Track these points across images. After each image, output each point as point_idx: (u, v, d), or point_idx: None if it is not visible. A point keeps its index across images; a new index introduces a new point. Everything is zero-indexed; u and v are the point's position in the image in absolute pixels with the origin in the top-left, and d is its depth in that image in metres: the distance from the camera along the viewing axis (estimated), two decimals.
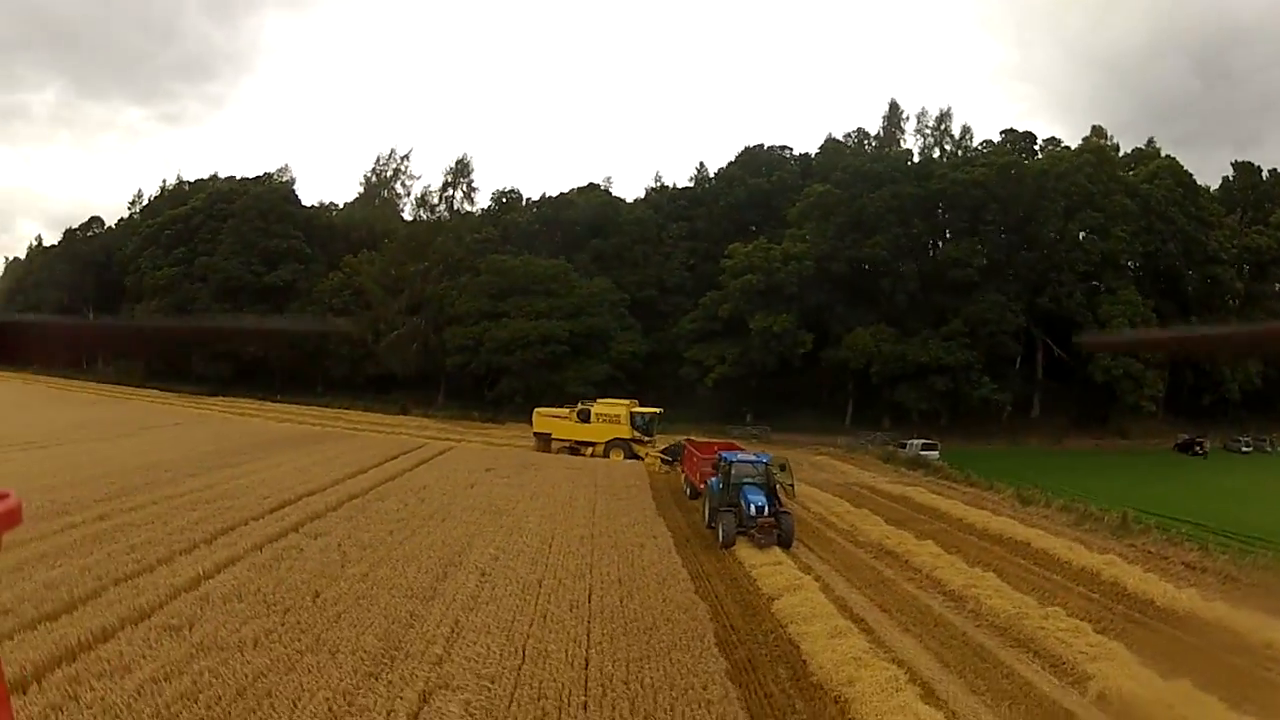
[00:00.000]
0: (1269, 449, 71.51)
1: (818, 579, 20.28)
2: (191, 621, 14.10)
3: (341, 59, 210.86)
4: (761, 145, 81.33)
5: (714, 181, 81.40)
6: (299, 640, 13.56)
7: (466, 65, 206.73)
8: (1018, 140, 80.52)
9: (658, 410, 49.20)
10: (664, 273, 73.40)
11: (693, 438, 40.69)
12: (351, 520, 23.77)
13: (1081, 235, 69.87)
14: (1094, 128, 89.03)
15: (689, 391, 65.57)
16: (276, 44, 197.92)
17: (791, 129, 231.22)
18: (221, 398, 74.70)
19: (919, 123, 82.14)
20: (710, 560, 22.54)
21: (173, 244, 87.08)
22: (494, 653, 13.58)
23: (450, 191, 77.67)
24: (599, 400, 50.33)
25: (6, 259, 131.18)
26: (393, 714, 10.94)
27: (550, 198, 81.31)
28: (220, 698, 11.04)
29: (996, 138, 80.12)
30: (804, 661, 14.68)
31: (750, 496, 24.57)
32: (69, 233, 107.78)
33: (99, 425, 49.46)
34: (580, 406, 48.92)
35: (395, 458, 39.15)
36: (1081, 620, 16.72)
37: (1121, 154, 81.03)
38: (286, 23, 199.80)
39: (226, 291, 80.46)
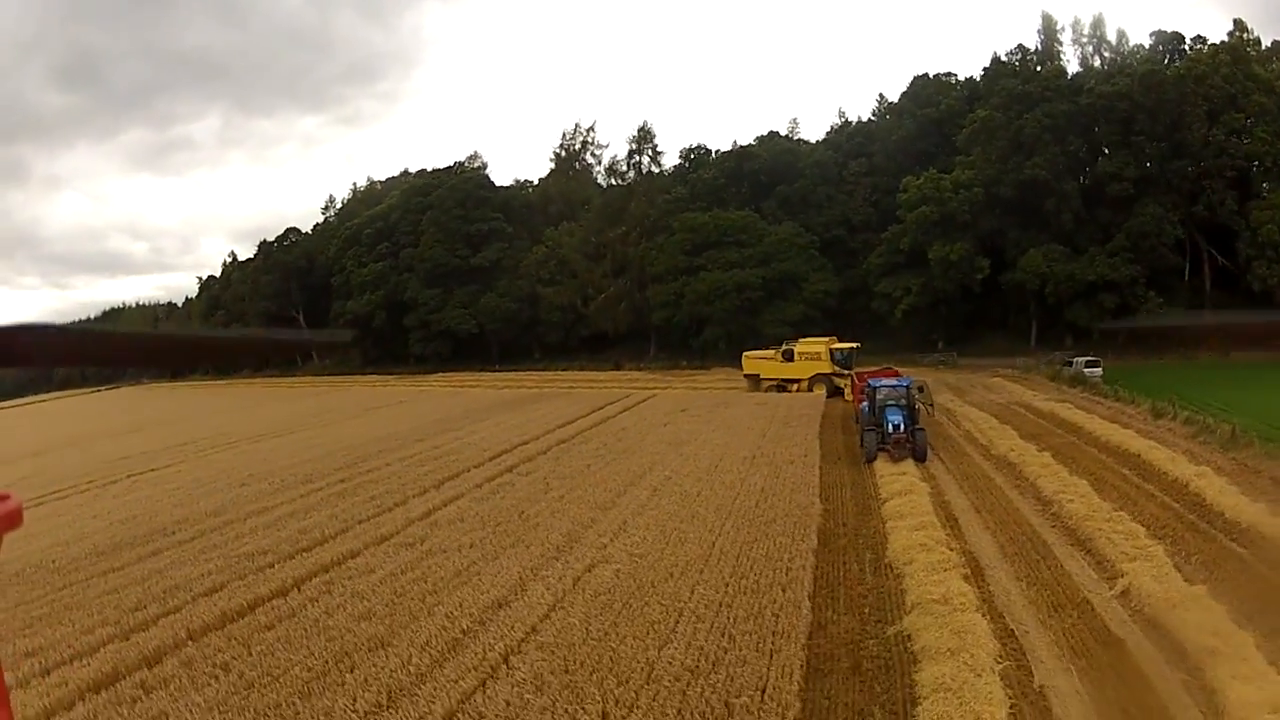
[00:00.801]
0: None
1: (933, 486, 24.50)
2: (422, 539, 20.79)
3: (512, 38, 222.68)
4: (927, 74, 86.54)
5: (887, 116, 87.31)
6: (503, 541, 20.06)
7: (642, 29, 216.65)
8: (1167, 41, 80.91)
9: (855, 345, 54.05)
10: (849, 211, 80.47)
11: (890, 366, 46.91)
12: (557, 460, 31.42)
13: (1227, 139, 68.45)
14: (1235, 21, 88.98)
15: (883, 324, 72.50)
16: (440, 34, 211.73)
17: (960, 54, 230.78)
18: (441, 374, 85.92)
19: (1074, 33, 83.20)
20: (850, 473, 27.68)
21: (375, 241, 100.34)
22: (647, 540, 19.30)
23: (636, 158, 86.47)
24: (800, 340, 56.02)
25: (200, 278, 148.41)
26: (563, 579, 16.77)
27: (731, 150, 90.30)
28: (441, 580, 17.28)
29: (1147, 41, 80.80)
30: (885, 547, 18.72)
31: (890, 416, 29.40)
32: (265, 244, 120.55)
33: (325, 412, 61.16)
34: (784, 347, 54.93)
35: (601, 408, 48.58)
36: (1141, 524, 18.80)
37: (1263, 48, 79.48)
38: (446, 12, 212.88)
39: (436, 277, 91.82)
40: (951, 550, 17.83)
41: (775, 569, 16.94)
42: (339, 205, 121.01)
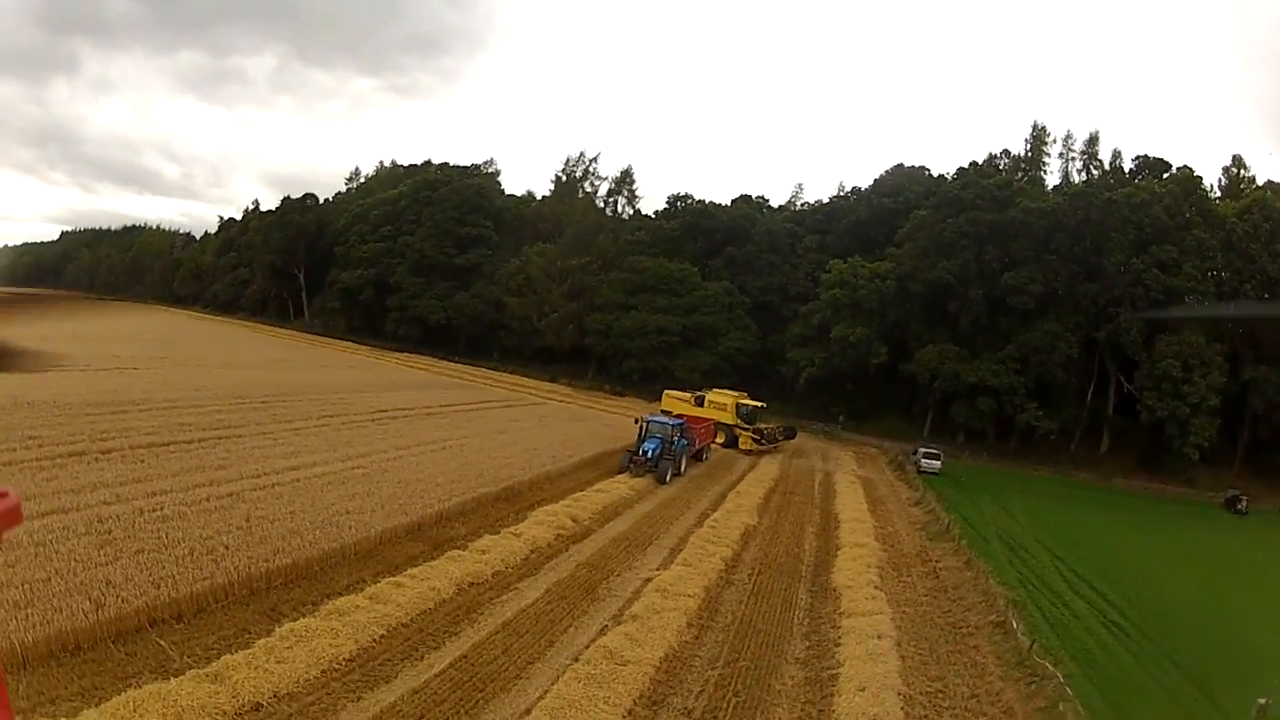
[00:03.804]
0: None
1: (643, 494, 40.18)
2: (287, 436, 36.26)
3: (573, 45, 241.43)
4: (901, 165, 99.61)
5: (850, 198, 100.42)
6: (326, 448, 34.61)
7: (670, 83, 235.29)
8: (1151, 167, 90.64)
9: (761, 404, 65.47)
10: (789, 280, 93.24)
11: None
12: (410, 422, 46.90)
13: (1146, 270, 76.12)
14: (1234, 157, 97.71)
15: (790, 388, 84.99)
16: (511, 23, 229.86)
17: (956, 149, 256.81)
18: (405, 354, 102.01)
19: (1064, 146, 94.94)
20: (590, 474, 40.68)
21: (381, 222, 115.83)
22: (391, 459, 34.44)
23: (614, 197, 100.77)
24: (714, 389, 66.21)
25: (221, 218, 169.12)
26: (337, 467, 30.92)
27: (691, 207, 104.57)
28: (279, 450, 32.66)
29: (1129, 165, 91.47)
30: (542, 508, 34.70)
31: (647, 444, 42.52)
32: (286, 201, 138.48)
33: (291, 364, 76.52)
34: (699, 393, 64.72)
35: (488, 402, 65.33)
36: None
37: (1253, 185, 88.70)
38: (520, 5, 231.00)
39: (421, 268, 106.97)
40: (574, 522, 30.19)
41: (451, 492, 30.08)
42: (362, 179, 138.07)
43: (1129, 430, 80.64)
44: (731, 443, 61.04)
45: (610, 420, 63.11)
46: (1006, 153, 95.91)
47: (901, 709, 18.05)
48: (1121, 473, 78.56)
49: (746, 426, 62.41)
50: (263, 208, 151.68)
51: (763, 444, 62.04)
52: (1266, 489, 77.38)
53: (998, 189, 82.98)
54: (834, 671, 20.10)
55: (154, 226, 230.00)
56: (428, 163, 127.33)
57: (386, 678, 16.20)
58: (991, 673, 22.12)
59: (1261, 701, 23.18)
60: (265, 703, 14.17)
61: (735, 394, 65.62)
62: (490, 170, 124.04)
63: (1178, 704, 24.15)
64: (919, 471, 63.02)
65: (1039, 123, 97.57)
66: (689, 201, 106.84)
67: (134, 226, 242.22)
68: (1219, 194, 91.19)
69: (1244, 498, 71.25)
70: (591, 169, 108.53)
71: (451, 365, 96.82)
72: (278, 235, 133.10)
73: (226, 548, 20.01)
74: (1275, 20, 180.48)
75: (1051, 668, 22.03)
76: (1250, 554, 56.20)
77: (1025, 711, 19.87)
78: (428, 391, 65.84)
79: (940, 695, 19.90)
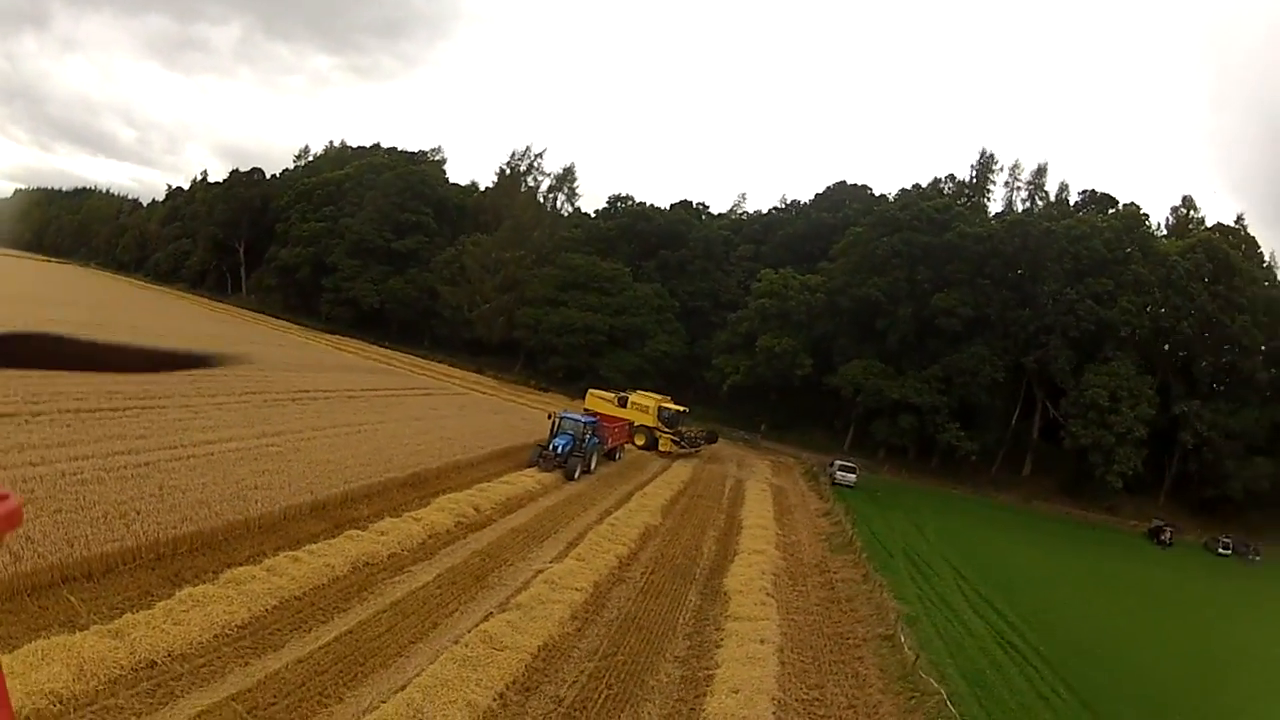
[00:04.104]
0: (1252, 557, 73.26)
1: (547, 487, 38.91)
2: (198, 403, 37.04)
3: (534, 40, 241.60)
4: (844, 182, 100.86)
5: (789, 211, 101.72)
6: (241, 419, 35.97)
7: (625, 86, 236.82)
8: (1098, 201, 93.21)
9: (683, 409, 65.53)
10: (721, 288, 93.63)
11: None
12: (330, 404, 47.20)
13: (1080, 300, 77.37)
14: (1184, 198, 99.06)
15: (714, 394, 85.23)
16: (475, 13, 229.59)
17: (904, 171, 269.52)
18: (336, 335, 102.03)
19: (1011, 175, 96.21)
20: (497, 466, 40.53)
21: (324, 201, 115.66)
22: (308, 434, 35.52)
23: (554, 194, 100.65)
24: (637, 391, 66.14)
25: (169, 186, 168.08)
26: (248, 439, 31.76)
27: (629, 208, 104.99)
28: (178, 420, 33.16)
29: (1075, 197, 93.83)
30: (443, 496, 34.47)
31: (558, 440, 42.88)
32: (234, 174, 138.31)
33: (225, 337, 76.98)
34: (622, 394, 64.30)
35: (410, 389, 66.09)
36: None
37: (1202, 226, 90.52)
38: None
39: (359, 250, 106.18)
40: (476, 511, 30.37)
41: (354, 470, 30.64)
42: (310, 158, 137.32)
43: (1053, 455, 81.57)
44: (652, 445, 61.21)
45: (530, 415, 63.16)
46: (952, 177, 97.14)
47: (773, 713, 18.35)
48: (1043, 496, 79.47)
49: (667, 430, 62.45)
50: (211, 179, 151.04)
51: (683, 446, 62.20)
52: (1193, 522, 79.48)
53: (936, 212, 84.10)
54: (710, 672, 20.35)
55: (104, 190, 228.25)
56: (376, 146, 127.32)
57: (274, 646, 16.72)
58: (873, 685, 22.40)
59: None
60: (160, 661, 14.86)
61: (659, 397, 65.67)
62: (437, 158, 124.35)
63: None
64: (833, 484, 63.41)
65: (987, 150, 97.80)
66: (629, 203, 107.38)
67: (84, 189, 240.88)
68: (1165, 233, 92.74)
69: (1169, 529, 72.92)
70: (536, 164, 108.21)
71: (381, 350, 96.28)
72: (222, 207, 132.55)
73: (138, 513, 20.58)
74: (1233, 65, 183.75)
75: (935, 684, 22.22)
76: (1167, 585, 57.53)
77: None
78: (352, 375, 65.87)
79: (817, 703, 20.24)
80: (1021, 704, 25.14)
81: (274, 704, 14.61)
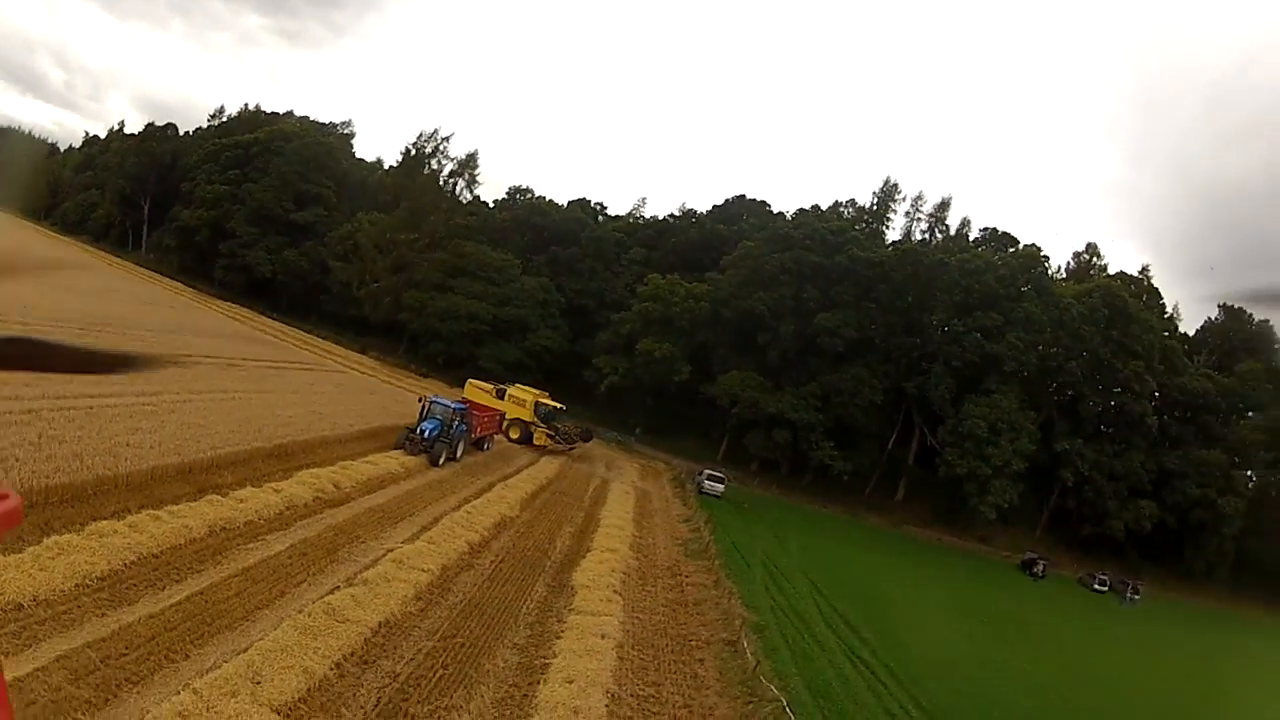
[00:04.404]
0: (1130, 596, 74.44)
1: (411, 471, 39.32)
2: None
3: (451, 21, 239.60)
4: (743, 196, 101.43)
5: (685, 220, 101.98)
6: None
7: (543, 79, 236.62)
8: (998, 240, 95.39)
9: (561, 406, 66.03)
10: (608, 288, 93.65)
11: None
12: (198, 369, 45.07)
13: (968, 332, 79.43)
14: (1088, 244, 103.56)
15: (591, 394, 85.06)
16: None
17: (807, 192, 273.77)
18: (227, 302, 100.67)
19: (913, 205, 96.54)
20: (365, 445, 40.70)
21: (230, 165, 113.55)
22: (167, 396, 33.96)
23: (455, 180, 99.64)
24: (516, 385, 66.46)
25: (86, 133, 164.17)
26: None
27: (526, 202, 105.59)
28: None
29: (975, 233, 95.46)
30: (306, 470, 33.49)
31: (426, 424, 42.73)
32: (149, 127, 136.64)
33: (117, 294, 74.68)
34: (501, 386, 64.79)
35: (292, 361, 66.34)
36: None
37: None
38: None
39: (258, 218, 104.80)
40: (336, 488, 30.51)
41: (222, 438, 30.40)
42: (225, 118, 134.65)
43: (928, 482, 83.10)
44: (526, 439, 61.48)
45: (405, 398, 62.57)
46: (853, 202, 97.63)
47: (606, 706, 18.83)
48: (915, 522, 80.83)
49: (542, 425, 62.79)
50: (128, 130, 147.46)
51: (558, 442, 62.55)
52: (1069, 557, 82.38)
53: (831, 234, 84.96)
54: (548, 661, 20.83)
55: (26, 132, 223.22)
56: (289, 113, 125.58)
57: (129, 600, 17.30)
58: (710, 687, 22.72)
59: None
60: (26, 605, 15.48)
61: (537, 392, 65.89)
62: (346, 131, 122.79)
63: None
64: (700, 493, 63.59)
65: (891, 178, 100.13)
66: (528, 195, 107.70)
67: (6, 129, 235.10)
68: (1065, 276, 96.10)
69: (1042, 562, 74.48)
70: (441, 147, 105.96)
71: (269, 321, 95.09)
72: (133, 160, 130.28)
73: (17, 459, 21.06)
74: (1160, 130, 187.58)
75: (775, 691, 22.39)
76: (1034, 615, 59.66)
77: None
78: (236, 343, 65.26)
79: (652, 700, 20.61)
80: (868, 718, 26.00)
81: (125, 655, 15.12)
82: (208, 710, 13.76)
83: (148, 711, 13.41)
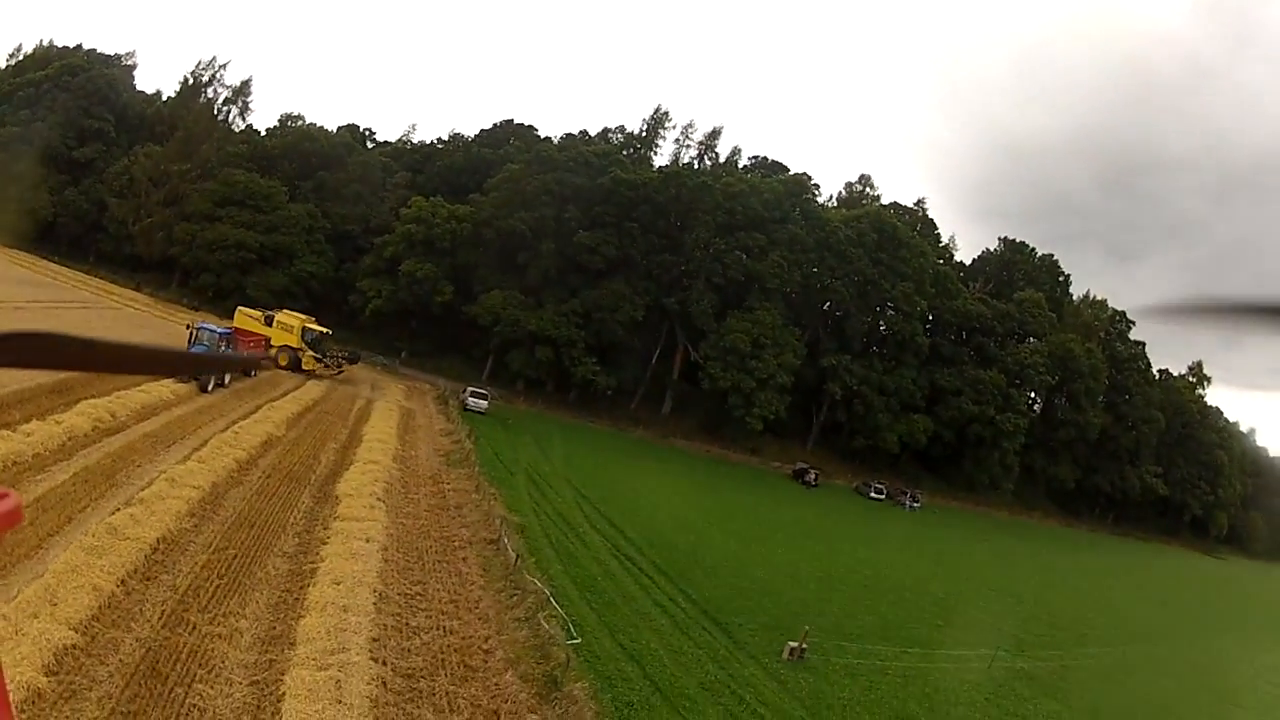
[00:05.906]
0: (909, 503, 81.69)
1: (193, 399, 42.81)
2: None
3: None
4: (511, 120, 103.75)
5: (451, 144, 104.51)
6: None
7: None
8: (768, 167, 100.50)
9: (327, 331, 69.48)
10: (374, 213, 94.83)
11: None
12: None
13: (729, 250, 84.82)
14: (861, 175, 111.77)
15: (356, 318, 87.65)
16: None
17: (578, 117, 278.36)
18: (7, 249, 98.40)
19: (683, 133, 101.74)
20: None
21: (22, 105, 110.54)
22: None
23: (228, 107, 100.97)
24: (284, 311, 69.74)
25: None
26: None
27: (289, 129, 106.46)
28: None
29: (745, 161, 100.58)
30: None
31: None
32: None
33: None
34: (270, 313, 68.36)
35: (66, 301, 67.09)
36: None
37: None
38: None
39: (43, 158, 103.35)
40: (112, 417, 32.97)
41: None
42: (21, 57, 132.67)
43: (693, 395, 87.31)
44: (295, 364, 64.01)
45: (176, 331, 64.07)
46: (623, 129, 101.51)
47: (374, 604, 21.07)
48: (683, 435, 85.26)
49: (309, 350, 66.16)
50: None
51: (325, 366, 65.70)
52: (841, 467, 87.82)
53: (596, 157, 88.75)
54: (315, 566, 23.10)
55: None
56: (79, 46, 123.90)
57: None
58: (474, 583, 25.25)
59: (792, 645, 27.03)
60: None
61: (304, 318, 69.02)
62: (129, 63, 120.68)
63: (686, 634, 27.18)
64: (464, 409, 66.46)
65: (662, 106, 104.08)
66: (300, 122, 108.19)
67: None
68: (836, 204, 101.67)
69: (814, 471, 79.52)
70: (218, 75, 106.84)
71: (49, 265, 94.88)
72: None
73: None
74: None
75: (539, 583, 24.89)
76: (810, 520, 62.00)
77: (501, 619, 22.89)
78: (19, 287, 65.66)
79: (418, 597, 23.06)
80: (637, 610, 28.24)
81: None
82: (16, 634, 15.28)
83: None
